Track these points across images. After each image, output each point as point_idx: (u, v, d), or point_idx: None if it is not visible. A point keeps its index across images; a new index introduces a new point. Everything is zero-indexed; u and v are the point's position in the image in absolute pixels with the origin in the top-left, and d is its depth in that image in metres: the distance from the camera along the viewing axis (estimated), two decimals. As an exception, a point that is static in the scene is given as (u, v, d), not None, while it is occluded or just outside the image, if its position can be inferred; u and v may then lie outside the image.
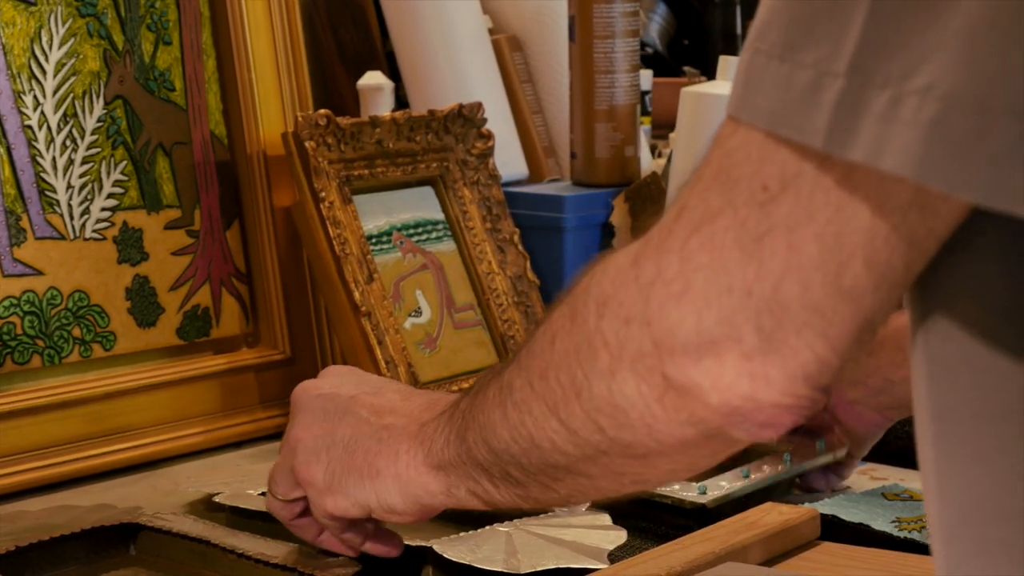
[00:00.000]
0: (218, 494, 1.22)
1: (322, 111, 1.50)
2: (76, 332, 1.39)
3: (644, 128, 1.95)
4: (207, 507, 1.24)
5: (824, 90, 0.63)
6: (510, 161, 1.79)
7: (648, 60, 2.21)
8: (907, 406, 1.09)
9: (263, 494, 1.22)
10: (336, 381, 1.04)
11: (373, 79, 1.70)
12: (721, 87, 1.67)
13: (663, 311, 0.69)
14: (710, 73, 1.73)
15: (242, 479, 1.29)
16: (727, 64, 1.67)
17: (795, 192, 0.65)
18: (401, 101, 1.84)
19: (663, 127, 2.07)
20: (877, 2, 0.62)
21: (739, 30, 2.33)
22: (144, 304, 1.45)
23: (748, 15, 2.34)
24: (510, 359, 0.83)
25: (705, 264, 0.68)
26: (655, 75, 2.07)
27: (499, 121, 1.78)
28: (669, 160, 1.78)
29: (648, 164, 1.86)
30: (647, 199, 1.76)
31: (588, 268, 0.77)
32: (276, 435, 1.49)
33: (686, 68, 2.28)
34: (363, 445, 0.96)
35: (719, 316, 0.67)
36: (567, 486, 0.81)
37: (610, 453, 0.75)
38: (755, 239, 0.66)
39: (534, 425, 0.78)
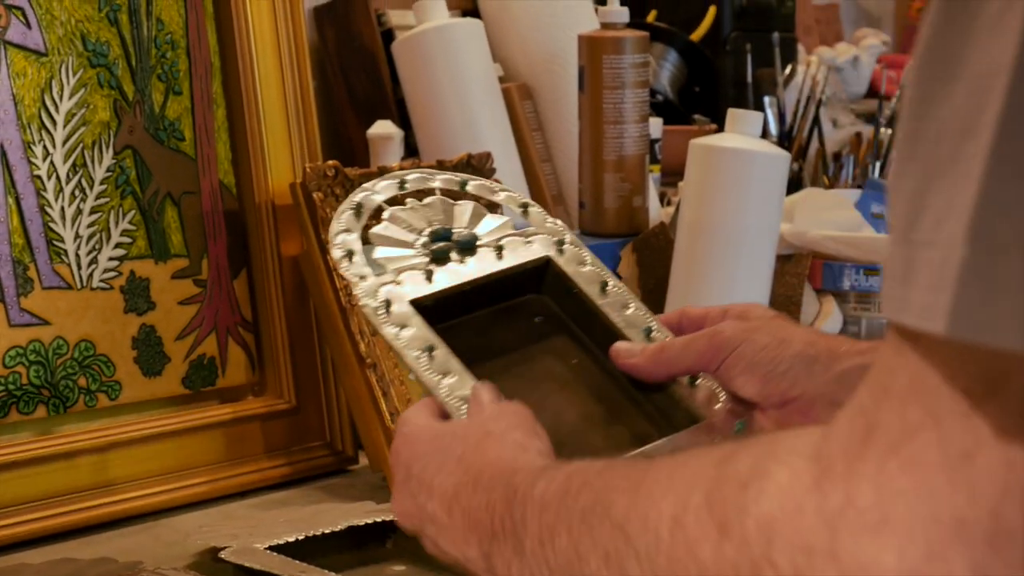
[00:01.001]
0: (224, 548, 1.22)
1: (330, 162, 1.50)
2: (82, 382, 1.40)
3: (653, 176, 1.95)
4: (213, 559, 1.24)
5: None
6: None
7: (659, 107, 2.21)
8: None
9: (269, 548, 1.22)
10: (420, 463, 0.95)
11: (383, 128, 1.70)
12: (729, 140, 1.68)
13: (856, 545, 0.61)
14: (721, 121, 1.73)
15: (251, 530, 1.29)
16: (735, 117, 1.68)
17: (1004, 396, 0.58)
18: (411, 148, 1.85)
19: (673, 175, 2.07)
20: None
21: (749, 78, 2.33)
22: (150, 353, 1.45)
23: (758, 63, 2.34)
24: (578, 508, 0.76)
25: (907, 490, 0.60)
26: (665, 123, 2.07)
27: (508, 169, 1.78)
28: (678, 209, 1.78)
29: (657, 212, 1.87)
30: (655, 249, 1.76)
31: (704, 458, 0.70)
32: (281, 484, 1.49)
33: (696, 116, 2.28)
34: None
35: (926, 551, 0.59)
36: None
37: None
38: (963, 455, 0.58)
39: None
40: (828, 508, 0.62)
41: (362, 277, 1.03)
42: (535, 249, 1.10)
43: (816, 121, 2.22)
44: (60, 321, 1.39)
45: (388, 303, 1.00)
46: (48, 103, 1.39)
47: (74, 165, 1.41)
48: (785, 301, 1.74)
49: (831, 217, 1.82)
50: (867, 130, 2.29)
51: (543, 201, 1.87)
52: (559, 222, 1.14)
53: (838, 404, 1.00)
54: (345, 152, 1.81)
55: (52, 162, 1.39)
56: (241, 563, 1.19)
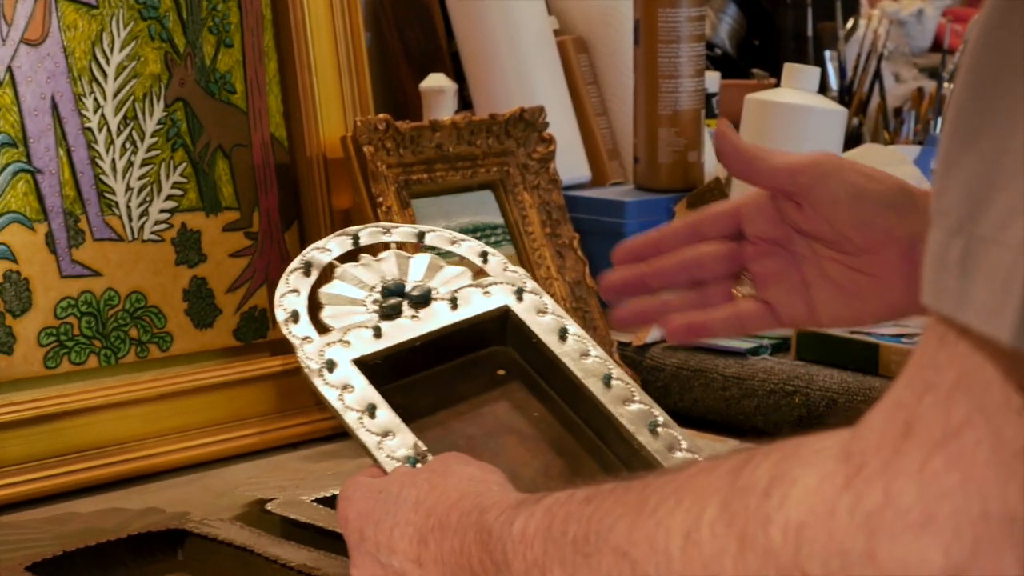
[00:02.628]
0: (271, 500, 1.23)
1: (381, 116, 1.50)
2: (133, 333, 1.40)
3: (710, 131, 1.94)
4: (261, 511, 1.25)
5: None
6: (573, 164, 1.79)
7: (717, 61, 2.20)
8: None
9: (316, 500, 1.22)
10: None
11: (435, 81, 1.70)
12: (785, 94, 1.66)
13: (896, 545, 0.58)
14: (780, 76, 1.71)
15: (299, 483, 1.30)
16: (792, 71, 1.66)
17: None
18: (465, 101, 1.84)
19: (730, 129, 2.05)
20: None
21: (810, 32, 2.30)
22: (201, 305, 1.45)
23: (819, 16, 2.31)
24: (577, 537, 0.73)
25: (954, 487, 0.58)
26: (724, 77, 2.06)
27: (563, 123, 1.78)
28: (733, 165, 1.77)
29: (713, 167, 1.85)
30: (710, 204, 1.74)
31: (713, 471, 0.67)
32: (331, 436, 1.49)
33: (755, 70, 2.26)
34: None
35: (974, 549, 0.57)
36: None
37: None
38: (1016, 453, 0.56)
39: None
40: (864, 508, 0.59)
41: (306, 339, 1.02)
42: (493, 300, 1.08)
43: (877, 76, 2.19)
44: (111, 272, 1.39)
45: (331, 364, 0.99)
46: (99, 56, 1.39)
47: (125, 117, 1.41)
48: (841, 258, 1.72)
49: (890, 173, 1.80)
50: (930, 85, 2.26)
51: (598, 155, 1.86)
52: (520, 270, 1.12)
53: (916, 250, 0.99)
54: (398, 105, 1.81)
55: (103, 114, 1.39)
56: (287, 515, 1.19)
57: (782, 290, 1.06)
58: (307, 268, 1.07)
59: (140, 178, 1.42)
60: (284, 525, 1.20)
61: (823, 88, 1.95)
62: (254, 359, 1.49)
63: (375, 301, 1.05)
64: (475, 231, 1.59)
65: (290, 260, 1.50)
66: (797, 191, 1.01)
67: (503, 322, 1.08)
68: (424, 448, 0.95)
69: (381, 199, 1.48)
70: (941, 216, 0.59)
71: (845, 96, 2.16)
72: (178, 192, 1.44)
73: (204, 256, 1.46)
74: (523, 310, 1.08)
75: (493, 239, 1.60)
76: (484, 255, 1.12)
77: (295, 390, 1.50)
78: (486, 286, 1.08)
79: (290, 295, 1.05)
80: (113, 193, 1.40)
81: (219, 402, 1.44)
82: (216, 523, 1.17)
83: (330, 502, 1.22)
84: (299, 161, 1.54)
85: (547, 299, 1.09)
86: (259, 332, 1.50)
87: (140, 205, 1.41)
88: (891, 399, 0.61)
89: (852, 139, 2.01)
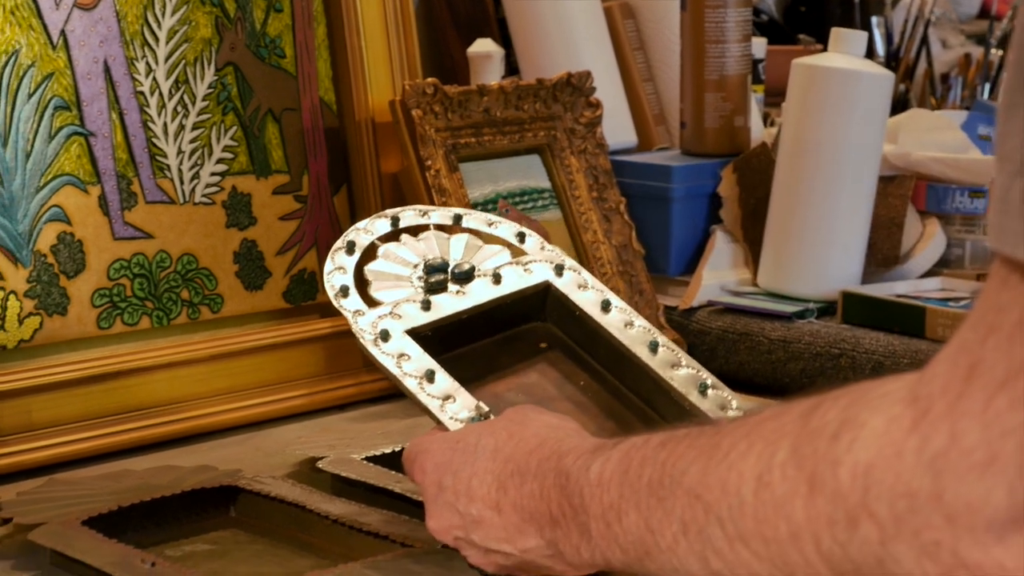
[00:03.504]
0: (322, 459, 1.24)
1: (429, 80, 1.51)
2: (184, 294, 1.42)
3: (757, 96, 1.94)
4: (311, 469, 1.26)
5: None
6: (619, 129, 1.79)
7: (763, 27, 2.19)
8: None
9: (366, 459, 1.24)
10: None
11: (483, 47, 1.70)
12: (832, 59, 1.66)
13: (962, 485, 0.60)
14: (827, 41, 1.71)
15: (349, 442, 1.31)
16: (839, 36, 1.66)
17: None
18: (512, 67, 1.85)
19: (776, 95, 2.05)
20: None
21: (857, -2, 2.30)
22: (252, 268, 1.47)
23: (866, -18, 2.31)
24: (654, 479, 0.75)
25: (1017, 427, 0.58)
26: (770, 43, 2.05)
27: (609, 89, 1.78)
28: (780, 130, 1.76)
29: (760, 133, 1.85)
30: (756, 170, 1.75)
31: (784, 416, 0.68)
32: (379, 398, 1.51)
33: (801, 36, 2.26)
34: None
35: None
36: None
37: None
38: None
39: None
40: (930, 450, 0.60)
41: (358, 312, 1.04)
42: (534, 276, 1.10)
43: (924, 41, 2.18)
44: (163, 235, 1.41)
45: (386, 334, 1.01)
46: (151, 20, 1.41)
47: (176, 81, 1.42)
48: (887, 223, 1.72)
49: (936, 138, 1.79)
50: (977, 51, 2.25)
51: (644, 121, 1.86)
52: (557, 249, 1.14)
53: None
54: (445, 70, 1.82)
55: (155, 78, 1.41)
56: (338, 473, 1.21)
57: None
58: (350, 247, 1.09)
59: (191, 141, 1.43)
60: (334, 483, 1.22)
61: (869, 54, 1.94)
62: (303, 321, 1.51)
63: (420, 278, 1.08)
64: (522, 195, 1.60)
65: (339, 224, 1.52)
66: None
67: (544, 297, 1.10)
68: (486, 409, 0.97)
69: (429, 162, 1.49)
70: (1003, 161, 0.60)
71: (892, 62, 2.15)
72: (229, 155, 1.46)
73: (254, 219, 1.47)
74: (564, 285, 1.10)
75: (540, 203, 1.61)
76: (521, 235, 1.14)
77: (343, 352, 1.51)
78: (526, 263, 1.10)
79: (336, 273, 1.07)
80: (165, 156, 1.41)
81: (269, 363, 1.46)
82: (268, 480, 1.19)
83: (380, 460, 1.24)
84: (348, 125, 1.55)
85: (586, 274, 1.11)
86: (308, 295, 1.51)
87: (191, 168, 1.43)
88: (956, 342, 0.62)
89: (898, 105, 2.01)
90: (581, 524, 0.81)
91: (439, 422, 0.98)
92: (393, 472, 1.20)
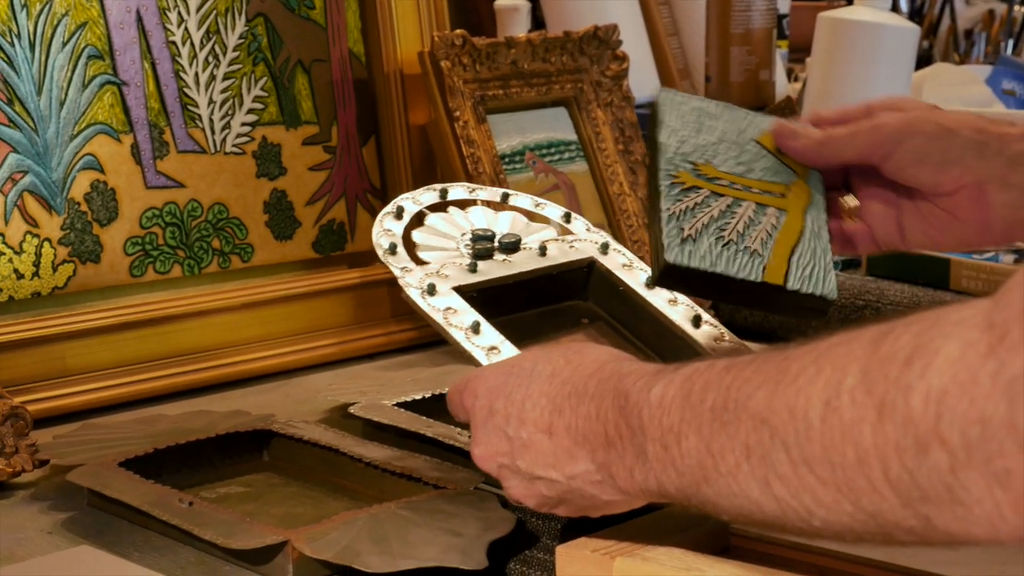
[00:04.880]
0: (353, 404, 1.25)
1: (458, 31, 1.52)
2: (215, 243, 1.43)
3: (781, 52, 1.94)
4: (342, 415, 1.27)
5: None
6: (644, 83, 1.80)
7: (788, -17, 2.19)
8: None
9: (397, 404, 1.25)
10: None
11: (510, 0, 1.71)
12: (857, 12, 1.66)
13: None
14: (850, -3, 1.72)
15: (379, 388, 1.32)
16: (865, -12, 1.66)
17: None
18: (538, 21, 1.85)
19: (800, 51, 2.06)
20: None
21: (881, -46, 2.29)
22: (281, 218, 1.48)
23: (891, -62, 2.30)
24: (711, 402, 0.74)
25: None
26: (794, -2, 2.06)
27: (634, 43, 1.79)
28: (805, 85, 1.77)
29: (784, 88, 1.86)
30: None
31: (853, 341, 0.67)
32: (407, 348, 1.52)
33: (825, -9, 2.26)
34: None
35: None
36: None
37: (923, 534, 0.66)
38: None
39: (816, 505, 0.69)
40: (1006, 375, 0.60)
41: (406, 269, 1.05)
42: (579, 253, 1.12)
43: (948, -2, 2.19)
44: (194, 184, 1.42)
45: (433, 288, 1.02)
46: (183, -31, 1.42)
47: (207, 31, 1.43)
48: (912, 176, 1.73)
49: (960, 93, 1.80)
50: (1000, 7, 2.25)
51: (669, 75, 1.87)
52: (602, 232, 1.15)
53: (1011, 185, 0.99)
54: (472, 23, 1.83)
55: (186, 28, 1.42)
56: (370, 418, 1.22)
57: (879, 212, 1.06)
58: (399, 212, 1.11)
59: (222, 91, 1.44)
60: (366, 428, 1.23)
61: (894, 9, 1.94)
62: (332, 271, 1.52)
63: (466, 245, 1.09)
64: (549, 147, 1.61)
65: (368, 175, 1.53)
66: (878, 160, 1.02)
67: (588, 274, 1.11)
68: None
69: (458, 113, 1.50)
70: None
71: (915, 18, 2.16)
72: (259, 106, 1.47)
73: (284, 169, 1.48)
74: (608, 262, 1.11)
75: (567, 155, 1.62)
76: (567, 216, 1.15)
77: (373, 302, 1.52)
78: (571, 241, 1.12)
79: (384, 235, 1.08)
80: (196, 106, 1.42)
81: (298, 312, 1.47)
82: (301, 424, 1.20)
83: (411, 406, 1.25)
84: (376, 77, 1.56)
85: (631, 255, 1.12)
86: (337, 245, 1.52)
87: (222, 118, 1.44)
88: None
89: (922, 61, 2.01)
90: (638, 446, 0.80)
91: None
92: (424, 417, 1.21)
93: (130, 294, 1.38)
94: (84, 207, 1.35)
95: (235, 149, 1.45)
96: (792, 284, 0.97)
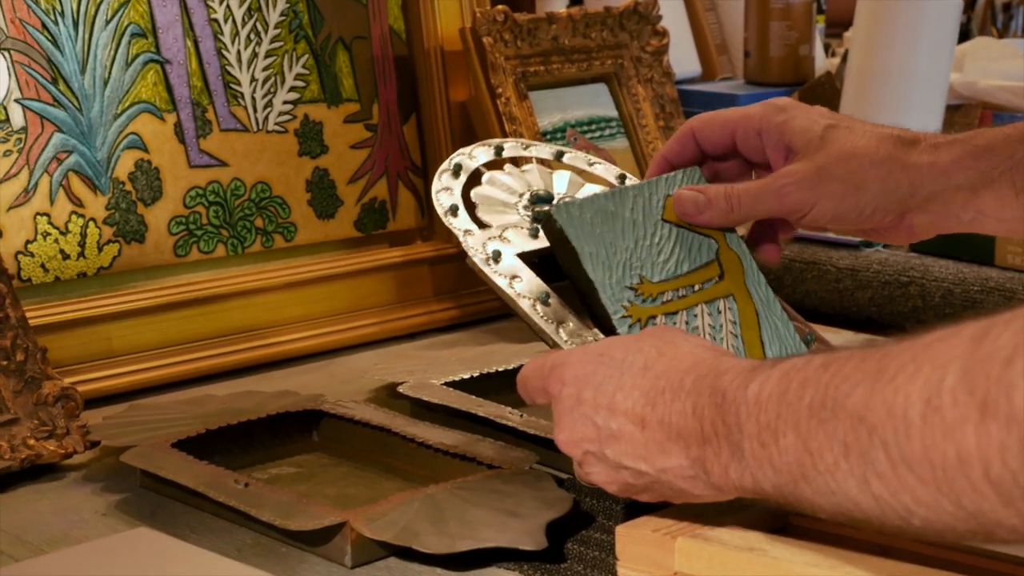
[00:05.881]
0: (402, 383, 1.25)
1: (500, 7, 1.51)
2: (259, 223, 1.42)
3: (819, 27, 1.93)
4: (389, 395, 1.27)
5: None
6: (683, 59, 1.79)
7: (823, -43, 2.18)
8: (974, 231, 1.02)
9: (445, 384, 1.24)
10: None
11: (549, -25, 1.70)
12: (900, -13, 1.65)
13: None
14: (888, -29, 1.70)
15: (426, 367, 1.32)
16: (907, -36, 1.65)
17: None
18: (575, -4, 1.84)
19: (837, 26, 2.04)
20: None
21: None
22: (324, 196, 1.47)
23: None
24: (807, 397, 0.74)
25: None
26: (831, -27, 2.04)
27: (673, 19, 1.77)
28: (844, 60, 1.76)
29: (822, 63, 1.85)
30: (821, 99, 1.74)
31: (952, 339, 0.67)
32: (449, 327, 1.52)
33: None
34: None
35: None
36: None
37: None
38: None
39: (916, 504, 0.69)
40: None
41: (468, 232, 1.04)
42: None
43: (985, -29, 2.17)
44: (237, 163, 1.41)
45: (497, 254, 1.01)
46: (224, -53, 1.41)
47: (249, 9, 1.42)
48: (953, 151, 1.72)
49: (1002, 67, 1.78)
50: (1038, -20, 2.23)
51: (707, 50, 1.86)
52: None
53: (929, 212, 1.01)
54: (512, 1, 1.81)
55: (228, 5, 1.41)
56: (419, 397, 1.21)
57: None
58: (456, 170, 1.09)
59: (264, 69, 1.43)
60: (414, 408, 1.22)
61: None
62: (374, 250, 1.51)
63: (525, 207, 1.07)
64: (590, 123, 1.60)
65: (409, 153, 1.52)
66: (792, 220, 1.03)
67: None
68: (601, 336, 0.97)
69: (500, 90, 1.49)
70: None
71: (953, -8, 2.14)
72: (300, 84, 1.46)
73: (326, 147, 1.48)
74: None
75: (608, 132, 1.61)
76: (622, 177, 1.14)
77: (414, 281, 1.52)
78: None
79: (443, 192, 1.07)
80: (239, 84, 1.41)
81: (341, 291, 1.47)
82: (350, 404, 1.20)
83: (459, 385, 1.24)
84: (417, 53, 1.55)
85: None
86: (379, 223, 1.52)
87: (264, 96, 1.43)
88: None
89: (960, 35, 1.99)
90: (734, 443, 0.79)
91: (554, 344, 0.98)
92: (474, 396, 1.21)
93: (174, 274, 1.38)
94: (128, 187, 1.34)
95: (277, 127, 1.44)
96: None
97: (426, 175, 1.55)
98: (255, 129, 1.43)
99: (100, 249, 1.32)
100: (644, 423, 0.86)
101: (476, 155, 1.12)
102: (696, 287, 1.01)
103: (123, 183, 1.34)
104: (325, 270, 1.46)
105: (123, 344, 1.32)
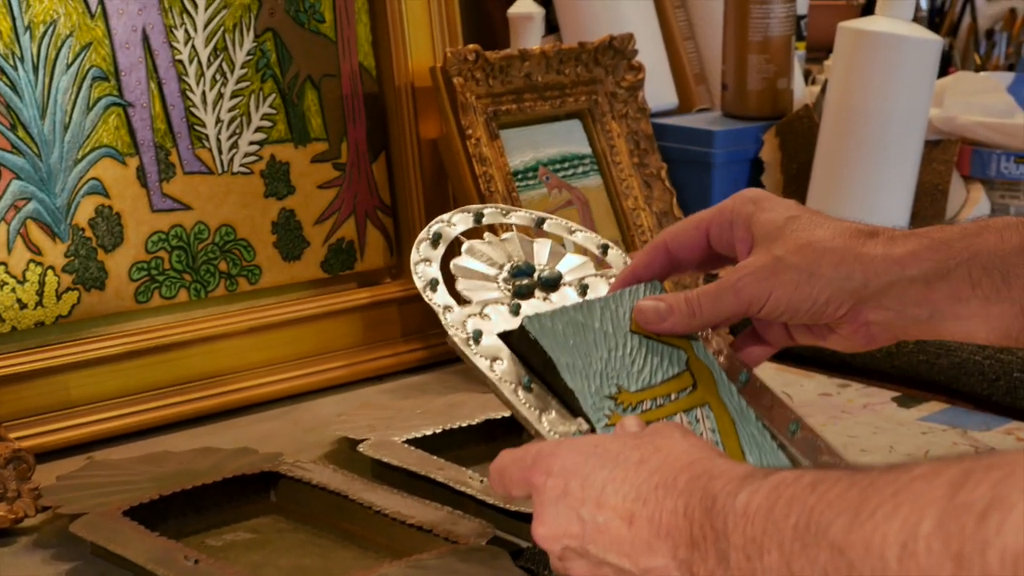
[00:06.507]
0: (363, 441, 1.23)
1: (471, 46, 1.48)
2: (223, 266, 1.40)
3: (799, 53, 1.91)
4: (352, 448, 1.25)
5: None
6: (660, 91, 1.77)
7: (805, -21, 2.15)
8: (944, 336, 0.99)
9: (407, 441, 1.23)
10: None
11: (523, 7, 1.68)
12: (879, 23, 1.63)
13: None
14: (869, -4, 1.68)
15: (388, 421, 1.30)
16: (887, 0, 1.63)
17: None
18: (551, 24, 1.82)
19: (819, 50, 2.02)
20: None
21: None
22: (290, 238, 1.45)
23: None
24: (799, 527, 0.73)
25: None
26: (812, -3, 2.02)
27: (650, 49, 1.75)
28: (823, 90, 1.74)
29: (801, 92, 1.83)
30: (799, 133, 1.72)
31: (934, 479, 0.66)
32: (417, 368, 1.50)
33: (843, -11, 2.22)
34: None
35: None
36: None
37: None
38: None
39: None
40: None
41: (448, 308, 1.01)
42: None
43: (969, -5, 2.15)
44: (201, 206, 1.39)
45: (478, 334, 0.99)
46: (190, -13, 1.38)
47: (215, 49, 1.40)
48: (932, 189, 1.70)
49: (982, 101, 1.76)
50: (1023, 6, 2.21)
51: (684, 80, 1.84)
52: None
53: (885, 308, 0.99)
54: (485, 32, 1.79)
55: (193, 46, 1.39)
56: (379, 458, 1.19)
57: (768, 330, 1.06)
58: (436, 240, 1.07)
59: (230, 110, 1.41)
60: (375, 465, 1.21)
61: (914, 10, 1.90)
62: (341, 291, 1.49)
63: (506, 280, 1.05)
64: (563, 161, 1.58)
65: (378, 191, 1.50)
66: (751, 314, 1.01)
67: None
68: (587, 426, 0.95)
69: (470, 131, 1.47)
70: None
71: (935, 18, 2.12)
72: (267, 123, 1.44)
73: (293, 188, 1.46)
74: None
75: (581, 169, 1.59)
76: (604, 247, 1.12)
77: (381, 322, 1.50)
78: (610, 277, 1.08)
79: (422, 264, 1.05)
80: (203, 126, 1.39)
81: (306, 335, 1.45)
82: (309, 466, 1.18)
83: (421, 443, 1.23)
84: (387, 90, 1.53)
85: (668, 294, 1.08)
86: (346, 264, 1.50)
87: (230, 137, 1.41)
88: None
89: (941, 62, 1.97)
90: (721, 551, 0.78)
91: (537, 433, 0.96)
92: (434, 457, 1.19)
93: (135, 320, 1.36)
94: (88, 233, 1.32)
95: (243, 169, 1.42)
96: None
97: (395, 213, 1.53)
98: (220, 171, 1.40)
99: (59, 297, 1.30)
100: (632, 519, 0.83)
101: (455, 222, 1.09)
102: (673, 396, 1.00)
103: (83, 229, 1.31)
104: (290, 313, 1.44)
105: (82, 394, 1.30)
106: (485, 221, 1.11)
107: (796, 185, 1.70)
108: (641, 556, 0.83)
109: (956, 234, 0.97)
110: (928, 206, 1.69)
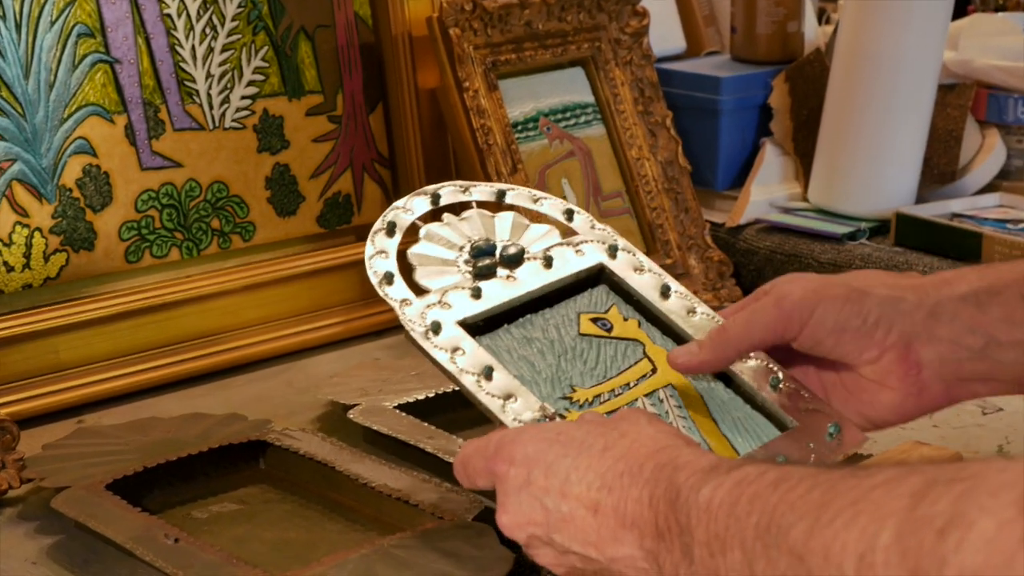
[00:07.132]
0: (354, 407, 1.21)
1: (468, -5, 1.45)
2: (215, 224, 1.38)
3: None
4: (343, 413, 1.23)
5: None
6: (667, 35, 1.73)
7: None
8: (1000, 380, 0.95)
9: (398, 407, 1.21)
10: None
11: (525, -49, 1.64)
12: (891, -34, 1.58)
13: None
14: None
15: (381, 385, 1.28)
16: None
17: None
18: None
19: (833, -12, 1.98)
20: None
21: None
22: (284, 193, 1.43)
23: None
24: (752, 533, 0.72)
25: None
26: (825, -67, 1.97)
27: (657, -10, 1.71)
28: (834, 34, 1.70)
29: (814, 35, 1.79)
30: (809, 78, 1.68)
31: (896, 488, 0.64)
32: (416, 323, 1.47)
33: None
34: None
35: None
36: None
37: None
38: None
39: None
40: None
41: (405, 301, 0.98)
42: (587, 258, 1.04)
43: (989, -71, 2.10)
44: (192, 163, 1.37)
45: (437, 326, 0.95)
46: (177, -61, 1.35)
47: (204, 2, 1.37)
48: (945, 135, 1.66)
49: (1000, 44, 1.72)
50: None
51: (693, 22, 1.80)
52: (608, 228, 1.07)
53: (938, 338, 0.95)
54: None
55: (182, 0, 1.35)
56: (369, 425, 1.18)
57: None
58: (391, 229, 1.03)
59: (221, 64, 1.38)
60: (366, 432, 1.19)
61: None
62: (338, 246, 1.47)
63: (467, 261, 1.02)
64: (564, 111, 1.54)
65: (375, 144, 1.47)
66: (789, 336, 0.96)
67: (597, 281, 1.05)
68: (552, 410, 0.92)
69: (467, 83, 1.44)
70: None
71: (954, -47, 2.06)
72: (260, 77, 1.41)
73: (287, 142, 1.43)
74: (619, 268, 1.04)
75: (583, 119, 1.56)
76: (569, 213, 1.08)
77: (380, 276, 1.47)
78: (577, 244, 1.04)
79: (378, 257, 1.02)
80: (193, 81, 1.36)
81: (302, 291, 1.43)
82: (297, 434, 1.16)
83: (411, 408, 1.21)
84: (384, 40, 1.49)
85: (642, 256, 1.05)
86: (343, 218, 1.47)
87: (221, 92, 1.38)
88: None
89: (958, 5, 1.93)
90: (685, 545, 0.77)
91: (500, 423, 0.93)
92: (425, 424, 1.17)
93: (126, 280, 1.33)
94: (76, 193, 1.30)
95: (235, 124, 1.39)
96: (747, 450, 0.95)
97: (394, 166, 1.50)
98: (211, 127, 1.38)
99: (47, 259, 1.28)
100: (597, 508, 0.82)
101: (411, 207, 1.06)
102: (632, 384, 0.97)
103: (70, 190, 1.29)
104: (286, 270, 1.42)
105: (72, 357, 1.28)
106: (443, 202, 1.07)
107: (806, 132, 1.66)
108: (607, 546, 0.82)
109: (1006, 265, 0.95)
110: (941, 154, 1.65)
